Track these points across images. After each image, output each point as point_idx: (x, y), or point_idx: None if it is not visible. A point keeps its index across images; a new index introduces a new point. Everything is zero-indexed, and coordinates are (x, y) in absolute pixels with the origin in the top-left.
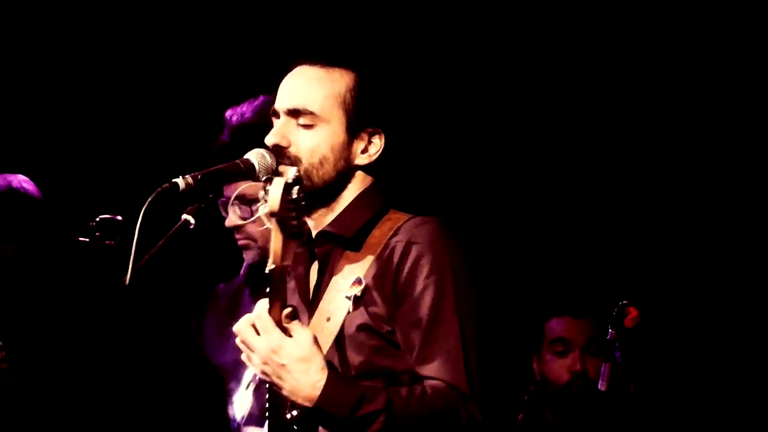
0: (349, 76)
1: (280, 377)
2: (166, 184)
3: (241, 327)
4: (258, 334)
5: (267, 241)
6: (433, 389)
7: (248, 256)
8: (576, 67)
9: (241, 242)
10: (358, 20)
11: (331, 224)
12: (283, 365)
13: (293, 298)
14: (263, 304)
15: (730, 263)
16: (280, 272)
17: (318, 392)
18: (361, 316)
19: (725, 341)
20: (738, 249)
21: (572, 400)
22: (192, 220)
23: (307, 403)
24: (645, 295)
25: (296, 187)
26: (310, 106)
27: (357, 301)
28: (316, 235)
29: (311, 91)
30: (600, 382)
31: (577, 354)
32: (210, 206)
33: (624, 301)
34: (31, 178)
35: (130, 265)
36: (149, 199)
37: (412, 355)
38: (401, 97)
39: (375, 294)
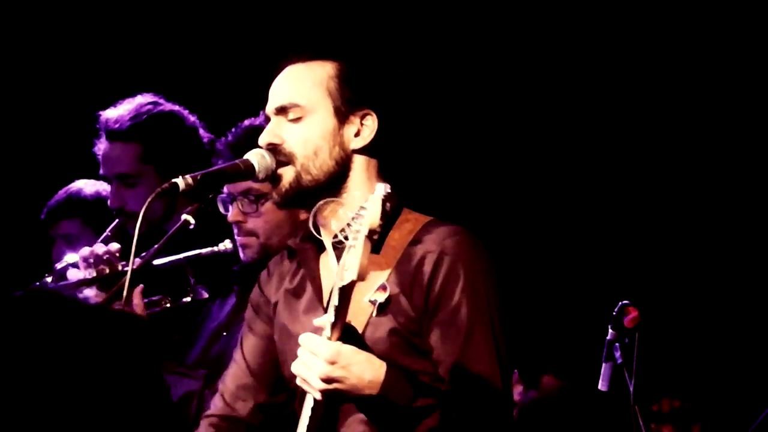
0: (332, 65)
1: (342, 380)
2: (166, 184)
3: (301, 349)
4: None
5: (269, 236)
6: (479, 398)
7: (247, 253)
8: (572, 64)
9: (241, 240)
10: (338, 5)
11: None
12: (344, 367)
13: (307, 295)
14: (317, 324)
15: (730, 263)
16: (352, 287)
17: (381, 380)
18: (390, 323)
19: (725, 341)
20: (738, 249)
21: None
22: (192, 221)
23: (369, 392)
24: (645, 295)
25: (389, 203)
26: (295, 100)
27: (382, 308)
28: (334, 236)
29: (294, 86)
30: (600, 382)
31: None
32: (210, 206)
33: (624, 301)
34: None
35: (130, 266)
36: (149, 199)
37: (449, 367)
38: (389, 76)
39: (403, 302)
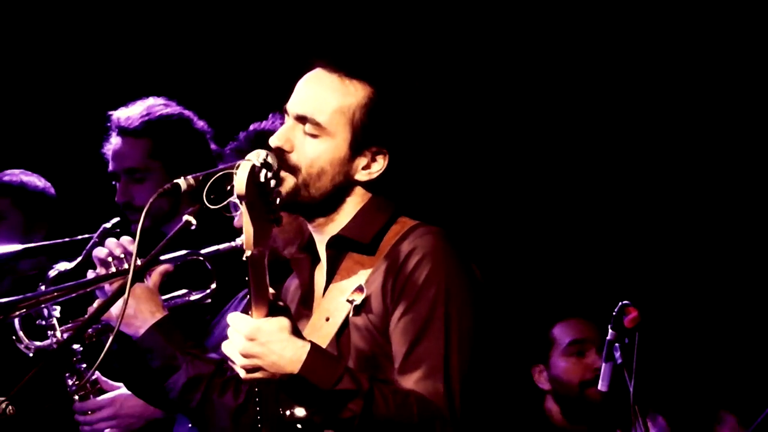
0: (365, 92)
1: (261, 356)
2: (168, 185)
3: (228, 331)
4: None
5: (274, 240)
6: (415, 398)
7: None
8: (577, 79)
9: None
10: (382, 37)
11: (346, 229)
12: (263, 344)
13: (293, 304)
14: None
15: (730, 263)
16: (257, 259)
17: (303, 358)
18: (362, 324)
19: (725, 341)
20: (738, 249)
21: (589, 403)
22: (194, 221)
23: (290, 370)
24: (645, 295)
25: (264, 171)
26: (317, 117)
27: (358, 309)
28: (328, 240)
29: (322, 101)
30: (600, 382)
31: (595, 352)
32: (211, 207)
33: (624, 301)
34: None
35: (132, 266)
36: (151, 200)
37: (399, 366)
38: (412, 121)
39: (377, 303)
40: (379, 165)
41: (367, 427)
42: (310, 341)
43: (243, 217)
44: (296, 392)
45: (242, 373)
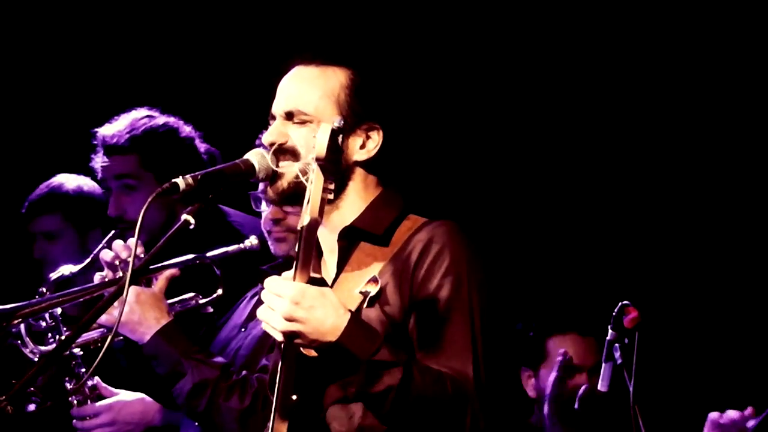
0: (344, 74)
1: (304, 321)
2: (167, 184)
3: (266, 292)
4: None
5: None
6: (447, 374)
7: (282, 248)
8: (573, 67)
9: (278, 234)
10: (356, 16)
11: (358, 220)
12: (308, 308)
13: None
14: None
15: (730, 263)
16: (313, 228)
17: (343, 326)
18: (378, 316)
19: (725, 341)
20: (738, 249)
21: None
22: (192, 221)
23: (330, 338)
24: (645, 295)
25: (341, 135)
26: (302, 107)
27: (372, 301)
28: (341, 231)
29: (304, 92)
30: (600, 382)
31: (586, 376)
32: (210, 207)
33: (624, 301)
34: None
35: (131, 266)
36: (150, 199)
37: (423, 350)
38: (398, 93)
39: (391, 293)
40: (375, 141)
41: (401, 403)
42: (351, 310)
43: (314, 182)
44: (333, 359)
45: (279, 337)
